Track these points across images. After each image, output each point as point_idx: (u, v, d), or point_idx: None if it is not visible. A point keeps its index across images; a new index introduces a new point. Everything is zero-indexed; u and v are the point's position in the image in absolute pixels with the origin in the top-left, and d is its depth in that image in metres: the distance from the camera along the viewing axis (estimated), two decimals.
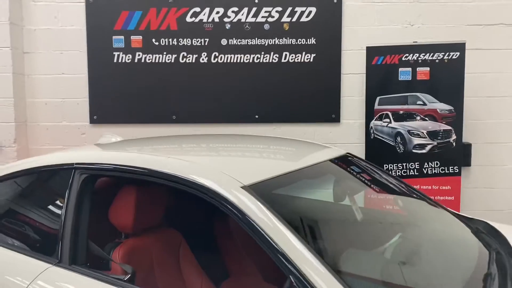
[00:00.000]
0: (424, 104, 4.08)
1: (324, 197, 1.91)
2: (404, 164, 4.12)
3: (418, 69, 4.05)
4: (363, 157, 4.18)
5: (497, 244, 1.88)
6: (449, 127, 4.05)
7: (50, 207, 1.88)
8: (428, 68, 4.05)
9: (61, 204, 1.76)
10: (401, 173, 4.13)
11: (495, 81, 4.41)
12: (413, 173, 4.12)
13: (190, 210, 1.62)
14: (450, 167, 4.10)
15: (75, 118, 4.37)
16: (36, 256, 1.76)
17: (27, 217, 2.03)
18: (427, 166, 4.10)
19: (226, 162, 1.86)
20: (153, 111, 4.32)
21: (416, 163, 4.10)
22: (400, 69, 4.08)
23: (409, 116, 4.09)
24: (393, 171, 4.14)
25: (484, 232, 2.05)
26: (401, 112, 4.09)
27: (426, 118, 4.07)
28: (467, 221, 2.21)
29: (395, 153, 4.11)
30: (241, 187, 1.49)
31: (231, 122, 4.33)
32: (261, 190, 1.51)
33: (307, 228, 1.50)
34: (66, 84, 4.35)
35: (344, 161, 2.28)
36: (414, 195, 2.31)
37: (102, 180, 2.04)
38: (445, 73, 4.02)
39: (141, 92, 4.30)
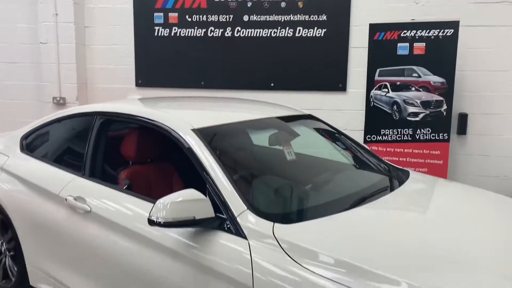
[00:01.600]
0: (419, 76, 4.52)
1: (258, 142, 2.61)
2: (399, 130, 4.62)
3: (415, 44, 4.49)
4: (363, 123, 4.75)
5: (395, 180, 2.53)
6: (441, 98, 4.48)
7: (80, 138, 2.77)
8: (424, 44, 4.47)
9: (87, 137, 2.65)
10: (395, 138, 4.65)
11: (493, 55, 4.70)
12: (406, 138, 4.63)
13: (176, 148, 2.37)
14: (440, 134, 4.55)
15: (124, 82, 5.32)
16: (68, 170, 2.68)
17: (65, 144, 2.96)
18: (419, 133, 4.59)
19: (192, 113, 2.62)
20: (185, 77, 5.15)
21: (409, 129, 4.59)
22: (399, 44, 4.53)
23: (405, 87, 4.56)
24: (388, 136, 4.66)
25: (392, 174, 2.67)
26: (398, 83, 4.57)
27: (420, 89, 4.52)
28: (387, 166, 2.81)
29: (391, 120, 4.63)
30: (191, 129, 2.25)
31: (250, 89, 5.03)
32: (205, 132, 2.25)
33: (230, 160, 2.23)
34: (117, 53, 5.29)
35: (299, 119, 2.96)
36: (354, 152, 2.93)
37: (119, 127, 2.90)
38: (440, 48, 4.42)
39: (176, 62, 5.14)
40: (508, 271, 1.71)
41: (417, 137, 4.60)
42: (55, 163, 2.82)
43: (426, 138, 4.59)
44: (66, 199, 2.51)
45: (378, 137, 4.69)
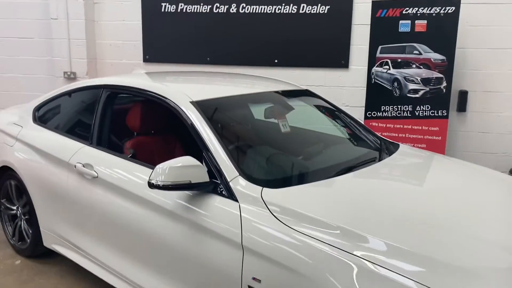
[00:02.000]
0: (420, 53, 4.59)
1: (255, 115, 2.76)
2: (399, 106, 4.72)
3: (416, 21, 4.54)
4: (364, 99, 4.86)
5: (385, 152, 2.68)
6: (441, 75, 4.56)
7: (88, 110, 2.94)
8: (425, 21, 4.52)
9: (94, 109, 2.82)
10: (395, 114, 4.76)
11: (495, 33, 4.73)
12: (406, 115, 4.73)
13: (178, 121, 2.52)
14: (439, 111, 4.64)
15: (132, 57, 5.47)
16: (77, 139, 2.86)
17: (74, 115, 3.14)
18: (419, 109, 4.68)
19: (191, 87, 2.75)
20: (191, 53, 5.27)
21: (409, 106, 4.69)
22: (401, 22, 4.59)
23: (406, 64, 4.64)
24: (388, 112, 4.77)
25: (382, 146, 2.81)
26: (399, 60, 4.65)
27: (421, 66, 4.60)
28: (379, 140, 2.95)
29: (391, 96, 4.72)
30: (190, 102, 2.40)
31: (254, 65, 5.14)
32: (203, 105, 2.39)
33: (225, 130, 2.38)
34: (125, 29, 5.42)
35: (297, 95, 3.09)
36: (348, 126, 3.06)
37: (124, 99, 3.07)
38: (441, 26, 4.47)
39: (182, 38, 5.26)
40: (484, 233, 1.86)
41: (417, 114, 4.70)
42: (65, 133, 3.01)
43: (425, 114, 4.68)
44: (75, 166, 2.71)
45: (378, 113, 4.80)
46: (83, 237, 2.74)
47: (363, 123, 3.21)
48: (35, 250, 3.25)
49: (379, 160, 2.56)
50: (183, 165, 2.04)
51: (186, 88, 2.56)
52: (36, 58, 5.66)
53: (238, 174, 2.08)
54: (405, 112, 4.73)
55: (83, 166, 2.66)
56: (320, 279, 1.66)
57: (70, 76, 5.36)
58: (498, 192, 2.41)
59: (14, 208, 3.38)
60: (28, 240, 3.27)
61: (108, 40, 5.51)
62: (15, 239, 3.39)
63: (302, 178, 2.18)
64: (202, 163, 2.14)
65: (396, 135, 4.77)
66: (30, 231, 3.23)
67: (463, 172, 2.66)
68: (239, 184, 2.05)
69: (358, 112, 4.88)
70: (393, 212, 1.99)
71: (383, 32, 4.67)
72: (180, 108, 2.39)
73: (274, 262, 1.79)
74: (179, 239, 2.14)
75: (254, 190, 2.02)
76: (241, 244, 1.90)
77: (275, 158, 2.41)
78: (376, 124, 4.78)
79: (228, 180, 2.07)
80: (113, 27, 5.46)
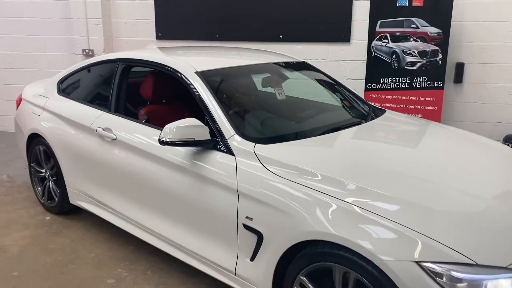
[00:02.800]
0: (417, 27, 4.81)
1: (253, 84, 3.08)
2: (397, 78, 4.98)
3: None
4: (364, 72, 5.11)
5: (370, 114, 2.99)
6: (437, 48, 4.78)
7: (106, 81, 3.30)
8: None
9: (112, 80, 3.18)
10: (394, 86, 5.02)
11: (491, 6, 4.91)
12: (404, 86, 4.99)
13: (186, 91, 2.85)
14: (435, 82, 4.88)
15: (146, 35, 5.80)
16: (97, 107, 3.23)
17: (94, 87, 3.51)
18: (416, 81, 4.93)
19: (197, 59, 3.05)
20: (201, 30, 5.58)
21: (407, 78, 4.94)
22: None
23: (403, 37, 4.87)
24: (387, 84, 5.02)
25: (369, 111, 3.12)
26: (397, 34, 4.88)
27: (418, 40, 4.83)
28: (368, 106, 3.26)
29: (390, 69, 4.97)
30: (194, 72, 2.72)
31: (260, 41, 5.43)
32: (206, 74, 2.72)
33: (225, 97, 2.69)
34: (139, 8, 5.74)
35: (294, 66, 3.39)
36: (341, 94, 3.36)
37: (138, 71, 3.41)
38: (437, 0, 4.68)
39: (192, 16, 5.55)
40: (459, 185, 2.14)
41: (414, 85, 4.95)
42: (86, 102, 3.38)
43: (422, 86, 4.93)
44: (96, 130, 3.09)
45: (378, 85, 5.06)
46: (104, 193, 3.14)
47: (356, 92, 3.49)
48: (62, 207, 3.67)
49: (364, 122, 2.87)
50: (188, 125, 2.39)
51: (191, 60, 2.89)
52: (56, 37, 6.03)
53: (234, 133, 2.42)
54: (403, 84, 4.98)
55: (103, 130, 3.04)
56: (299, 216, 2.01)
57: (88, 54, 5.72)
58: (474, 150, 2.71)
59: (43, 171, 3.79)
60: (56, 199, 3.68)
61: (123, 18, 5.84)
62: (44, 199, 3.82)
63: (290, 136, 2.51)
64: (205, 125, 2.48)
65: (395, 105, 5.04)
66: (58, 191, 3.64)
67: (441, 133, 2.96)
68: (235, 141, 2.39)
69: (359, 85, 5.15)
70: (368, 163, 2.32)
71: (382, 7, 4.89)
72: (186, 77, 2.73)
73: (263, 203, 2.14)
74: (186, 188, 2.50)
75: (248, 145, 2.36)
76: (236, 190, 2.25)
77: (268, 120, 2.75)
78: (376, 96, 5.05)
79: (226, 138, 2.41)
80: (128, 6, 5.78)
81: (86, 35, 5.75)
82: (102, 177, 3.12)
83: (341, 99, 3.30)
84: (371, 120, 2.95)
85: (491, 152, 2.72)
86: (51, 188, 3.74)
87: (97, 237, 3.39)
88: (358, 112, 3.13)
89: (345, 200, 1.96)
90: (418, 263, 1.70)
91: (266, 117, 2.80)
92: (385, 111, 3.22)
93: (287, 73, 3.24)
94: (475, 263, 1.67)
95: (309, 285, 2.05)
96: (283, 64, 3.29)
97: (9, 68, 6.22)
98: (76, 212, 3.73)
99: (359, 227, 1.85)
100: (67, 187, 3.50)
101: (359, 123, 2.84)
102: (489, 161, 2.57)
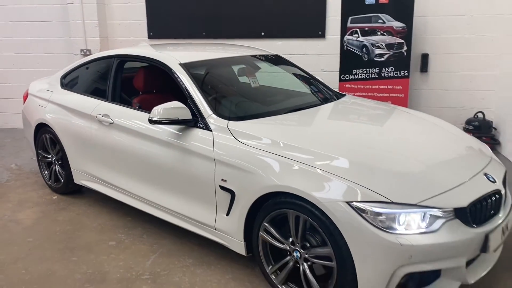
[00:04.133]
0: (384, 22, 5.33)
1: (231, 74, 3.59)
2: (368, 69, 5.48)
3: None
4: (338, 65, 5.61)
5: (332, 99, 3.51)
6: (402, 40, 5.30)
7: (103, 75, 3.80)
8: None
9: (108, 74, 3.67)
10: (365, 76, 5.52)
11: (452, 2, 5.43)
12: (374, 76, 5.50)
13: (173, 81, 3.34)
14: (402, 72, 5.40)
15: (138, 34, 6.30)
16: (96, 97, 3.73)
17: (93, 80, 4.00)
18: (385, 71, 5.44)
19: (181, 53, 3.56)
20: (189, 29, 6.08)
21: (376, 68, 5.45)
22: None
23: (372, 32, 5.38)
24: (359, 74, 5.53)
25: (331, 96, 3.64)
26: (367, 29, 5.39)
27: (385, 34, 5.34)
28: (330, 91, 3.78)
29: (361, 61, 5.48)
30: (178, 64, 3.22)
31: (243, 38, 5.93)
32: (189, 65, 3.21)
33: (204, 84, 3.19)
34: (132, 10, 6.23)
35: (268, 59, 3.91)
36: (308, 82, 3.88)
37: (131, 65, 3.91)
38: None
39: (181, 16, 6.06)
40: (404, 151, 2.64)
41: (383, 75, 5.46)
42: (86, 94, 3.88)
43: (390, 75, 5.44)
44: (96, 116, 3.59)
45: (350, 76, 5.57)
46: (104, 171, 3.64)
47: (321, 80, 4.00)
48: (68, 188, 4.17)
49: (324, 103, 3.39)
50: (173, 107, 2.89)
51: (176, 54, 3.39)
52: (55, 38, 6.53)
53: (212, 112, 2.93)
54: (373, 74, 5.49)
55: (102, 116, 3.53)
56: (261, 174, 2.52)
57: (86, 53, 6.21)
58: (412, 123, 3.22)
59: (49, 156, 4.29)
60: (62, 180, 4.18)
61: (117, 20, 6.33)
62: (51, 181, 4.31)
63: (259, 115, 3.01)
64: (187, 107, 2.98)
65: (367, 94, 5.55)
66: (63, 173, 4.13)
67: (387, 110, 3.48)
68: (212, 119, 2.90)
69: (334, 76, 5.66)
70: (321, 132, 2.84)
71: (352, 4, 5.40)
72: (171, 68, 3.23)
73: (234, 167, 2.65)
74: (172, 160, 3.00)
75: (222, 122, 2.86)
76: (213, 158, 2.75)
77: (240, 102, 3.27)
78: (350, 86, 5.56)
79: (205, 117, 2.92)
80: (121, 9, 6.28)
81: (84, 36, 6.24)
82: (102, 157, 3.62)
83: (307, 86, 3.81)
84: (330, 102, 3.46)
85: (426, 125, 3.23)
86: (57, 171, 4.23)
87: (99, 211, 3.89)
88: (320, 96, 3.64)
89: (297, 160, 2.46)
90: (348, 203, 2.21)
91: (239, 100, 3.32)
92: (344, 95, 3.73)
93: (260, 64, 3.75)
94: (390, 201, 2.18)
95: (271, 229, 2.56)
96: (260, 57, 3.80)
97: (12, 68, 6.71)
98: (80, 192, 4.23)
99: (306, 179, 2.36)
100: (71, 168, 3.99)
101: (319, 104, 3.35)
102: (426, 132, 3.08)
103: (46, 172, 4.38)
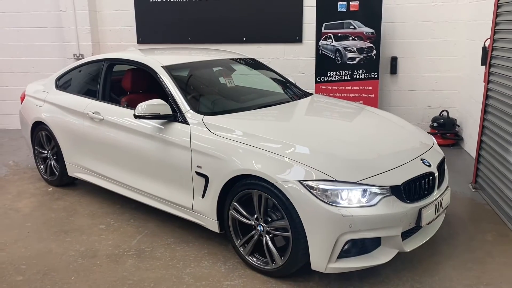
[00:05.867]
0: (355, 28, 5.78)
1: (210, 75, 4.02)
2: (341, 71, 5.93)
3: (351, 2, 5.71)
4: (314, 67, 6.05)
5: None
6: (372, 45, 5.75)
7: (94, 77, 4.20)
8: (357, 2, 5.68)
9: (99, 75, 4.08)
10: (338, 78, 5.96)
11: (417, 10, 5.90)
12: (346, 78, 5.94)
13: (156, 82, 3.76)
14: (372, 74, 5.85)
15: (128, 40, 6.71)
16: (87, 97, 4.13)
17: (85, 81, 4.40)
18: (356, 73, 5.89)
19: (164, 57, 3.97)
20: (175, 34, 6.50)
21: (349, 71, 5.90)
22: (339, 3, 5.76)
23: (344, 37, 5.83)
24: (333, 77, 5.97)
25: (300, 95, 4.07)
26: (339, 34, 5.84)
27: (356, 39, 5.79)
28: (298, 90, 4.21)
29: (335, 64, 5.92)
30: (161, 66, 3.64)
31: (226, 43, 6.36)
32: (170, 68, 3.62)
33: (184, 84, 3.61)
34: (122, 17, 6.64)
35: (245, 62, 4.34)
36: (281, 83, 4.31)
37: (119, 68, 4.32)
38: (369, 5, 5.65)
39: (168, 22, 6.48)
40: (357, 141, 3.09)
41: (354, 77, 5.90)
42: (79, 94, 4.29)
43: (361, 77, 5.89)
44: (88, 114, 3.99)
45: (325, 78, 6.01)
46: (95, 163, 4.03)
47: (291, 80, 4.43)
48: (62, 180, 4.56)
49: (291, 101, 3.82)
50: (155, 103, 3.31)
51: (159, 58, 3.81)
52: (49, 43, 6.91)
53: (189, 108, 3.34)
54: (345, 76, 5.94)
55: (93, 113, 3.94)
56: (230, 160, 2.93)
57: (79, 58, 6.60)
58: (371, 118, 3.65)
59: (45, 152, 4.67)
60: (57, 173, 4.56)
61: (108, 26, 6.74)
62: (47, 174, 4.70)
63: (230, 111, 3.43)
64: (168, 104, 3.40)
65: (340, 94, 5.99)
66: (58, 166, 4.52)
67: (346, 107, 3.91)
68: (190, 113, 3.31)
69: (311, 78, 6.10)
70: (284, 124, 3.26)
71: (326, 11, 5.84)
72: (154, 70, 3.65)
73: (208, 155, 3.06)
74: (155, 151, 3.41)
75: (198, 117, 3.28)
76: (190, 148, 3.17)
77: (216, 100, 3.70)
78: (325, 87, 6.00)
79: (183, 112, 3.34)
80: (112, 16, 6.69)
81: (76, 42, 6.63)
82: (93, 150, 4.02)
83: (279, 86, 4.24)
84: (298, 99, 3.90)
85: (381, 120, 3.66)
86: (52, 165, 4.62)
87: (91, 200, 4.29)
88: (289, 94, 4.07)
89: (261, 148, 2.88)
90: (300, 181, 2.63)
91: (215, 98, 3.75)
92: (311, 94, 4.17)
93: (236, 66, 4.18)
94: (334, 179, 2.61)
95: (239, 207, 2.98)
96: (237, 60, 4.23)
97: (9, 72, 7.09)
98: (73, 185, 4.63)
99: (266, 163, 2.78)
100: (65, 162, 4.38)
101: (288, 102, 3.78)
102: (375, 124, 3.52)
103: (42, 166, 4.77)
